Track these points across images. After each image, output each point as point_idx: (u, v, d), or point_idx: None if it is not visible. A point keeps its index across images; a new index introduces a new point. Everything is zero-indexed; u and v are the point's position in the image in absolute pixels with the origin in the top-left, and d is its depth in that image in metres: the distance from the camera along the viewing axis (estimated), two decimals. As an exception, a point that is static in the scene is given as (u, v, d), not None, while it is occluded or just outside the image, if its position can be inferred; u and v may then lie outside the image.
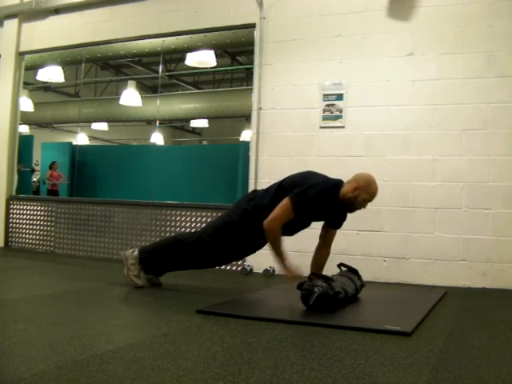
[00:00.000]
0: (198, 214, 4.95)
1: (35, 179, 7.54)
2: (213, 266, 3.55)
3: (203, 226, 4.63)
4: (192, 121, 10.91)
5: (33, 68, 6.57)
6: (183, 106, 8.89)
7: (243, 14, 4.89)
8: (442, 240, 4.11)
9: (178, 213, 5.05)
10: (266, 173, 4.67)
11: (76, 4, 5.68)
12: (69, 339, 2.03)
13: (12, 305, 2.79)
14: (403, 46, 4.32)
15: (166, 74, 7.58)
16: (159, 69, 6.15)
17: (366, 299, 3.17)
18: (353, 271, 3.25)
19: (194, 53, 6.20)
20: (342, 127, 4.46)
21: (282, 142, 4.66)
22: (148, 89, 9.24)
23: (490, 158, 4.04)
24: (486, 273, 3.99)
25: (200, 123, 11.16)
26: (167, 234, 5.02)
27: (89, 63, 6.79)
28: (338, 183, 3.08)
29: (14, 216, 5.91)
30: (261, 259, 4.33)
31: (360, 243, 4.31)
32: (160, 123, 8.16)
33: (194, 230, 4.91)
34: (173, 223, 5.07)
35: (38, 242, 5.75)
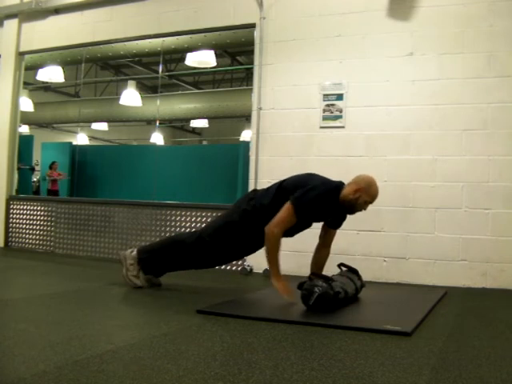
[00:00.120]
0: (198, 214, 4.95)
1: (35, 179, 7.54)
2: (212, 265, 3.55)
3: (203, 225, 4.63)
4: (192, 121, 10.92)
5: (33, 68, 6.57)
6: (183, 105, 8.89)
7: (243, 14, 4.89)
8: (441, 240, 4.11)
9: (178, 213, 5.05)
10: (265, 173, 4.67)
11: (76, 4, 5.68)
12: (69, 339, 2.03)
13: (12, 305, 2.79)
14: (403, 46, 4.32)
15: (166, 74, 7.58)
16: (159, 69, 6.15)
17: (366, 299, 3.17)
18: (353, 271, 3.25)
19: (194, 53, 6.20)
20: (342, 127, 4.46)
21: (282, 142, 4.66)
22: (148, 89, 9.24)
23: (490, 158, 4.04)
24: (486, 273, 3.99)
25: (200, 123, 11.16)
26: (167, 234, 5.02)
27: (89, 63, 6.79)
28: (339, 185, 3.08)
29: (14, 216, 5.91)
30: (261, 259, 4.31)
31: (360, 243, 4.31)
32: (160, 123, 8.17)
33: (193, 230, 4.92)
34: (173, 223, 5.07)
35: (37, 241, 5.75)
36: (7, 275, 4.05)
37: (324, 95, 4.54)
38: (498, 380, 1.70)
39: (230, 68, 8.77)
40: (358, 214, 3.21)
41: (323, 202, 3.00)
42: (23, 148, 6.23)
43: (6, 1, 6.02)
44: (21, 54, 6.05)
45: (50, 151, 7.57)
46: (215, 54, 6.35)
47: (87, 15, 5.68)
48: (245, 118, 8.13)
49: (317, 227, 3.29)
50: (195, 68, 7.08)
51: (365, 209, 3.10)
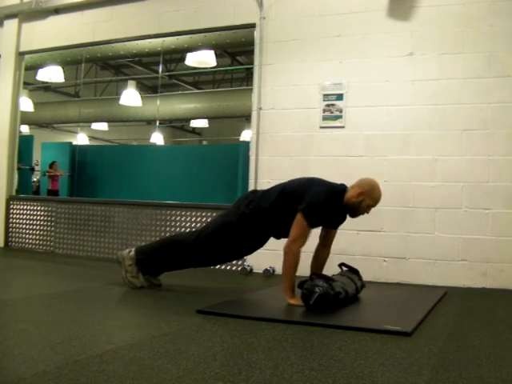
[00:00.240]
0: (198, 214, 4.95)
1: (35, 179, 7.54)
2: (211, 265, 3.55)
3: (202, 225, 4.62)
4: (192, 121, 10.91)
5: (33, 68, 6.57)
6: (183, 105, 8.88)
7: (243, 14, 4.89)
8: (441, 240, 4.11)
9: (178, 213, 5.05)
10: (265, 173, 4.67)
11: (76, 4, 5.68)
12: (69, 339, 2.03)
13: (12, 305, 2.79)
14: (403, 46, 4.32)
15: (166, 74, 7.58)
16: (159, 69, 6.15)
17: (366, 299, 3.17)
18: (353, 271, 3.25)
19: (194, 53, 6.19)
20: (342, 127, 4.46)
21: (282, 142, 4.66)
22: (148, 89, 9.24)
23: (490, 158, 4.04)
24: (486, 273, 3.99)
25: (200, 123, 11.16)
26: (167, 234, 5.02)
27: (89, 63, 6.79)
28: (342, 188, 3.08)
29: (14, 216, 5.91)
30: (261, 259, 4.34)
31: (360, 243, 4.31)
32: (160, 123, 8.16)
33: (193, 230, 4.91)
34: (173, 223, 5.07)
35: (38, 241, 5.75)
36: (7, 275, 4.05)
37: (324, 95, 4.54)
38: (498, 380, 1.70)
39: (230, 68, 8.77)
40: (358, 214, 3.21)
41: (330, 206, 3.01)
42: (23, 148, 6.23)
43: (6, 1, 6.02)
44: (21, 54, 6.05)
45: (50, 151, 7.56)
46: (215, 53, 6.35)
47: (87, 15, 5.68)
48: (245, 118, 8.13)
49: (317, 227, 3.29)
50: (195, 68, 7.07)
51: (367, 212, 3.10)
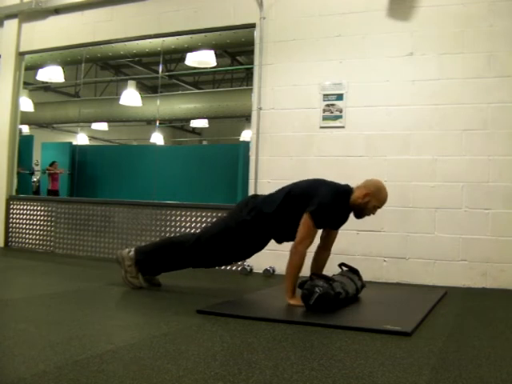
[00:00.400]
0: (198, 214, 4.95)
1: (35, 179, 7.54)
2: (210, 267, 3.52)
3: (203, 227, 4.61)
4: (192, 121, 10.90)
5: (33, 68, 6.57)
6: (183, 105, 8.88)
7: (243, 14, 4.89)
8: (441, 240, 4.11)
9: (178, 213, 5.05)
10: (265, 173, 4.67)
11: (76, 4, 5.68)
12: (69, 339, 2.03)
13: (12, 305, 2.79)
14: (403, 46, 4.32)
15: (166, 74, 7.58)
16: (159, 69, 6.15)
17: (366, 299, 3.17)
18: (353, 271, 3.25)
19: (194, 53, 6.19)
20: (342, 127, 4.46)
21: (282, 142, 4.66)
22: (148, 89, 9.24)
23: (490, 158, 4.04)
24: (485, 273, 3.99)
25: (200, 123, 11.15)
26: (167, 234, 5.03)
27: (89, 63, 6.79)
28: (348, 189, 3.07)
29: (14, 216, 5.91)
30: (261, 259, 4.34)
31: (360, 243, 4.31)
32: (160, 123, 8.16)
33: (192, 231, 4.92)
34: (173, 223, 5.07)
35: (37, 241, 5.75)
36: (7, 275, 4.05)
37: (324, 95, 4.54)
38: (498, 380, 1.70)
39: (230, 68, 8.76)
40: (358, 214, 3.20)
41: (337, 208, 3.01)
42: (23, 148, 6.23)
43: (6, 1, 6.02)
44: (21, 54, 6.05)
45: (50, 151, 7.56)
46: (215, 54, 6.35)
47: (87, 15, 5.68)
48: (245, 118, 8.13)
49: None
50: (195, 68, 7.07)
51: (373, 213, 3.09)
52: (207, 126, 11.33)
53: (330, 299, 2.70)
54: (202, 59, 6.41)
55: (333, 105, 4.50)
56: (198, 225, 4.92)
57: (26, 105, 7.14)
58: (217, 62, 6.61)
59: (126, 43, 5.71)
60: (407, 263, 4.20)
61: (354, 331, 2.34)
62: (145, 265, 3.35)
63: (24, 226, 5.84)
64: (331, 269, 3.27)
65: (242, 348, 2.01)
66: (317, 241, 3.29)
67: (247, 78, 8.27)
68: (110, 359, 1.78)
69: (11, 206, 5.93)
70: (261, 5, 4.78)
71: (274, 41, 4.75)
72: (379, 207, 3.08)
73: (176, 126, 12.21)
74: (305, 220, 2.92)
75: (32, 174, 6.68)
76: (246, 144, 5.27)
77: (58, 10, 5.84)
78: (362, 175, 4.23)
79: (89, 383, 1.53)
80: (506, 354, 2.06)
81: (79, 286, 3.47)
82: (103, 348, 1.92)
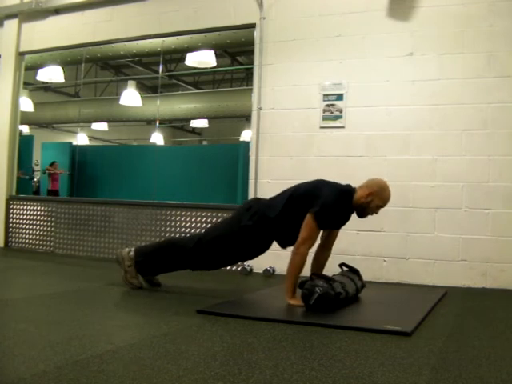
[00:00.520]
0: (198, 214, 4.95)
1: (35, 179, 7.54)
2: (210, 269, 3.50)
3: (204, 230, 4.58)
4: (192, 121, 10.90)
5: (33, 68, 6.57)
6: (183, 105, 8.88)
7: (243, 14, 4.89)
8: (441, 240, 4.11)
9: (178, 213, 5.05)
10: (265, 173, 4.67)
11: (76, 4, 5.68)
12: (69, 339, 2.03)
13: (12, 305, 2.79)
14: (403, 46, 4.32)
15: (166, 74, 7.58)
16: (159, 69, 6.15)
17: (366, 299, 3.17)
18: (354, 271, 3.25)
19: (194, 53, 6.19)
20: (342, 127, 4.46)
21: (282, 142, 4.66)
22: (148, 89, 9.23)
23: (490, 158, 4.04)
24: (485, 273, 3.99)
25: (200, 123, 11.15)
26: (167, 234, 5.03)
27: (89, 63, 6.78)
28: (351, 189, 3.07)
29: (14, 216, 5.91)
30: (261, 259, 4.31)
31: (360, 243, 4.31)
32: (160, 123, 8.15)
33: (192, 231, 4.92)
34: (173, 223, 5.07)
35: (37, 242, 5.75)
36: (7, 275, 4.05)
37: (324, 95, 4.54)
38: (498, 380, 1.70)
39: (230, 68, 8.76)
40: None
41: (340, 208, 3.01)
42: (23, 148, 6.23)
43: (6, 1, 6.02)
44: (21, 54, 6.05)
45: (50, 151, 7.56)
46: (215, 54, 6.35)
47: (88, 15, 5.68)
48: (245, 118, 8.12)
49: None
50: (195, 68, 7.07)
51: (376, 213, 3.09)
52: (207, 126, 11.33)
53: (330, 299, 2.70)
54: (202, 59, 6.41)
55: (333, 105, 4.50)
56: (198, 225, 4.92)
57: (26, 105, 7.14)
58: (217, 62, 6.60)
59: (126, 43, 5.71)
60: (407, 263, 4.20)
61: (354, 331, 2.34)
62: (144, 266, 3.34)
63: (24, 226, 5.84)
64: (331, 269, 3.27)
65: (242, 348, 2.01)
66: (317, 240, 3.30)
67: (247, 78, 8.26)
68: (110, 359, 1.78)
69: (11, 206, 5.93)
70: (261, 5, 4.78)
71: (274, 41, 4.75)
72: (382, 206, 3.08)
73: (176, 126, 12.20)
74: (308, 220, 2.92)
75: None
76: (246, 144, 5.27)
77: (58, 10, 5.85)
78: (362, 175, 4.23)
79: (89, 383, 1.53)
80: (506, 354, 2.06)
81: (79, 286, 3.47)
82: (103, 348, 1.92)
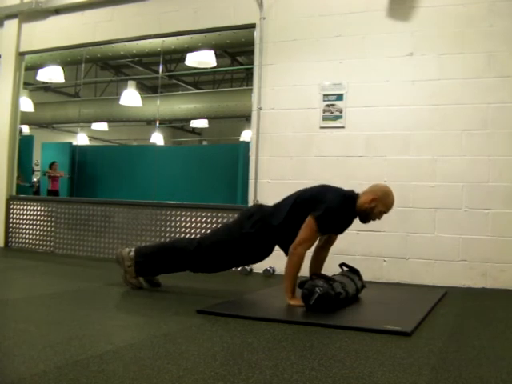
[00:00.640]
0: (198, 214, 4.95)
1: (35, 179, 7.54)
2: (209, 272, 3.49)
3: (203, 231, 4.58)
4: (192, 121, 10.91)
5: (33, 68, 6.57)
6: (183, 106, 8.88)
7: (243, 15, 4.89)
8: (441, 240, 4.11)
9: (178, 213, 5.05)
10: (265, 173, 4.67)
11: (76, 4, 5.68)
12: (69, 339, 2.03)
13: (12, 305, 2.79)
14: (403, 46, 4.32)
15: (166, 74, 7.58)
16: (159, 69, 6.15)
17: (366, 299, 3.17)
18: (354, 271, 3.25)
19: (194, 53, 6.19)
20: (342, 127, 4.46)
21: (282, 142, 4.66)
22: (148, 89, 9.24)
23: (490, 158, 4.04)
24: (485, 273, 3.99)
25: (200, 123, 11.15)
26: (167, 234, 5.03)
27: (89, 63, 6.79)
28: (354, 195, 3.06)
29: (14, 216, 5.91)
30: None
31: (360, 243, 4.31)
32: (160, 123, 8.15)
33: (192, 231, 4.92)
34: (173, 223, 5.06)
35: (37, 242, 5.75)
36: (7, 275, 4.05)
37: (324, 95, 4.54)
38: (498, 380, 1.70)
39: (230, 68, 8.76)
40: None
41: (342, 214, 3.00)
42: (23, 148, 6.22)
43: (6, 1, 6.02)
44: (21, 54, 6.05)
45: (50, 151, 7.56)
46: (215, 54, 6.35)
47: (88, 15, 5.68)
48: (245, 118, 8.12)
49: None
50: (195, 68, 7.07)
51: (379, 218, 3.08)
52: (207, 126, 11.33)
53: (331, 299, 2.70)
54: (202, 59, 6.41)
55: (333, 105, 4.50)
56: (198, 225, 4.92)
57: (26, 105, 7.14)
58: (217, 62, 6.61)
59: (126, 43, 5.71)
60: (407, 263, 4.20)
61: (354, 331, 2.34)
62: (143, 267, 3.34)
63: (24, 226, 5.84)
64: (331, 269, 3.27)
65: (242, 348, 2.01)
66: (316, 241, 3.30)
67: (247, 78, 8.27)
68: (110, 359, 1.78)
69: (11, 206, 5.93)
70: (261, 5, 4.78)
71: (274, 41, 4.75)
72: (386, 212, 3.06)
73: (176, 126, 12.21)
74: (309, 222, 2.91)
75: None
76: (246, 144, 5.27)
77: (58, 10, 5.85)
78: (362, 175, 4.27)
79: (89, 383, 1.53)
80: (505, 354, 2.06)
81: (79, 286, 3.47)
82: (103, 348, 1.92)
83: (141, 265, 3.33)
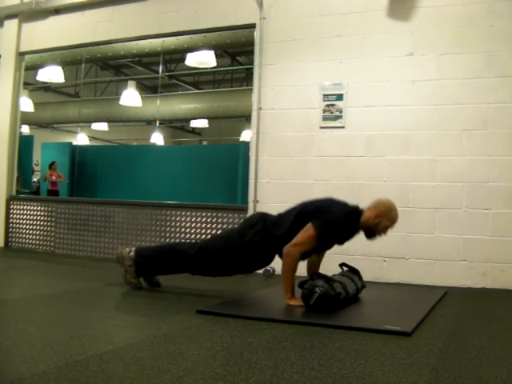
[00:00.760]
0: (198, 214, 4.95)
1: (35, 179, 7.54)
2: (209, 276, 3.48)
3: (205, 238, 4.54)
4: (192, 121, 10.91)
5: (33, 68, 6.57)
6: (183, 106, 8.89)
7: (243, 15, 4.89)
8: (441, 240, 4.11)
9: (178, 213, 5.05)
10: (265, 173, 4.67)
11: (76, 4, 5.67)
12: (69, 339, 2.03)
13: (12, 305, 2.79)
14: (403, 46, 4.32)
15: (166, 74, 7.58)
16: (159, 69, 6.15)
17: (366, 299, 3.17)
18: (354, 271, 3.25)
19: (194, 53, 6.20)
20: (342, 127, 4.46)
21: (282, 142, 4.66)
22: (148, 89, 9.25)
23: (490, 158, 4.04)
24: (486, 273, 3.99)
25: (200, 123, 11.16)
26: (167, 234, 5.03)
27: (89, 63, 6.79)
28: (359, 211, 3.04)
29: (14, 216, 5.91)
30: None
31: (360, 243, 4.26)
32: (160, 123, 8.17)
33: (192, 231, 4.92)
34: (173, 223, 5.06)
35: (38, 242, 5.75)
36: (7, 275, 4.05)
37: (324, 95, 4.54)
38: (498, 380, 1.70)
39: (230, 68, 8.77)
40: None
41: (345, 228, 2.99)
42: (23, 148, 6.23)
43: (6, 1, 6.02)
44: (21, 54, 6.05)
45: (50, 151, 7.57)
46: (215, 54, 6.35)
47: (88, 15, 5.68)
48: (245, 118, 8.13)
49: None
50: (195, 68, 7.08)
51: (385, 233, 3.04)
52: (207, 126, 11.34)
53: (331, 299, 2.69)
54: (202, 59, 6.41)
55: (333, 105, 4.50)
56: (198, 225, 4.92)
57: (26, 105, 7.15)
58: (217, 62, 6.61)
59: (126, 43, 5.71)
60: (407, 263, 4.20)
61: (354, 331, 2.34)
62: (143, 268, 3.33)
63: (24, 226, 5.84)
64: (331, 269, 3.27)
65: (242, 348, 2.01)
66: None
67: (247, 78, 8.28)
68: (110, 359, 1.78)
69: (11, 206, 5.93)
70: (261, 5, 4.78)
71: (274, 41, 4.75)
72: (391, 227, 3.04)
73: (176, 126, 12.22)
74: (309, 228, 2.89)
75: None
76: (246, 144, 5.27)
77: (58, 10, 5.84)
78: (362, 175, 4.27)
79: (89, 383, 1.53)
80: (506, 354, 2.06)
81: (79, 286, 3.47)
82: (103, 348, 1.92)
83: (140, 265, 3.32)
